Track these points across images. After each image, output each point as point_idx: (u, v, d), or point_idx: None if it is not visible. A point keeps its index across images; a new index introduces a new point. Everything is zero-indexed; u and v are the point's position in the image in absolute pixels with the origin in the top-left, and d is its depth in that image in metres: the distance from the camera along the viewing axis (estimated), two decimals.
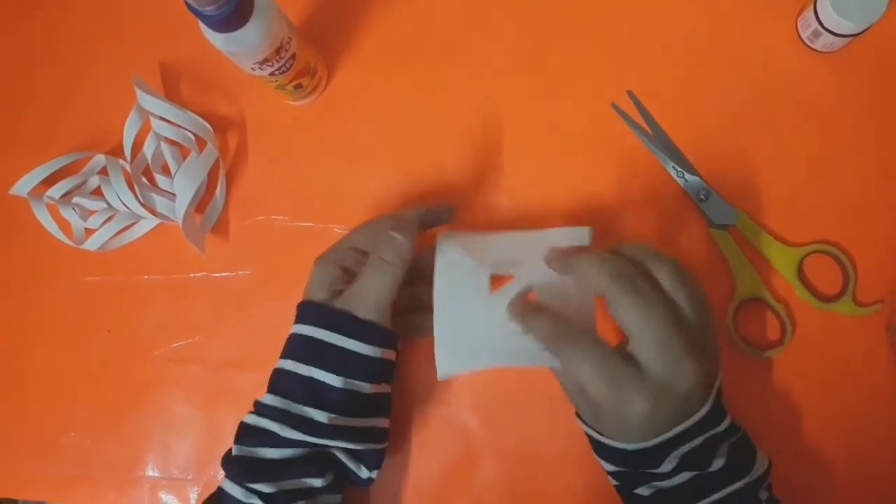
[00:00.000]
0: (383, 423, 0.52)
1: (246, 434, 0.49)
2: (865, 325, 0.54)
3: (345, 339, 0.49)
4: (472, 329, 0.48)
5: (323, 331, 0.49)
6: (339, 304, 0.49)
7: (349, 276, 0.51)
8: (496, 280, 0.49)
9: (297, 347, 0.50)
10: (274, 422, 0.48)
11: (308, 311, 0.51)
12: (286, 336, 0.59)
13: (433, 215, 0.53)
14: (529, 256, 0.48)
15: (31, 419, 0.62)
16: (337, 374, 0.48)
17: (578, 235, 0.48)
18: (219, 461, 0.58)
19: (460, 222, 0.58)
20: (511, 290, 0.48)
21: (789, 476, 0.54)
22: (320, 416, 0.48)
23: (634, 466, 0.45)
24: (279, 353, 0.59)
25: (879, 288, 0.54)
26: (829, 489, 0.54)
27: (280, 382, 0.50)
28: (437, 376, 0.48)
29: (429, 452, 0.57)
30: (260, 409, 0.49)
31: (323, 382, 0.48)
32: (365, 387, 0.49)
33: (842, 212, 0.55)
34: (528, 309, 0.46)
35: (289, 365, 0.50)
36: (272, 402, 0.49)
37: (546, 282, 0.47)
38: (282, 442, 0.48)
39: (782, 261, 0.55)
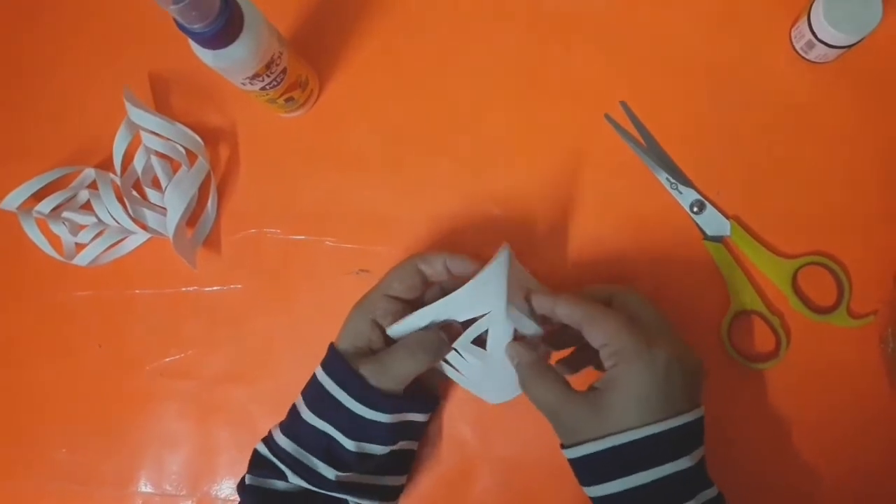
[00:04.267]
0: (398, 480, 0.52)
1: (258, 465, 0.50)
2: (860, 337, 0.54)
3: (356, 403, 0.49)
4: (492, 379, 0.51)
5: (337, 388, 0.49)
6: (363, 366, 0.49)
7: (379, 329, 0.50)
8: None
9: (315, 396, 0.50)
10: (285, 466, 0.48)
11: (332, 360, 0.50)
12: (279, 350, 0.59)
13: (459, 264, 0.51)
14: (484, 306, 0.49)
15: (23, 435, 0.62)
16: (348, 437, 0.48)
17: (501, 261, 0.48)
18: (212, 476, 0.60)
19: (456, 234, 0.58)
20: (499, 339, 0.49)
21: (784, 487, 0.54)
22: (328, 471, 0.48)
23: (665, 457, 0.43)
24: (272, 367, 0.59)
25: (873, 299, 0.54)
26: (823, 500, 0.54)
27: (296, 427, 0.50)
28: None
29: (425, 464, 0.57)
30: (273, 446, 0.49)
31: (336, 441, 0.49)
32: (378, 449, 0.50)
33: (836, 223, 0.55)
34: (552, 300, 0.48)
35: (306, 413, 0.50)
36: (285, 444, 0.49)
37: (511, 315, 0.49)
38: (290, 481, 0.48)
39: (777, 273, 0.55)
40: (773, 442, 0.54)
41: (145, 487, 0.60)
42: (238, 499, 0.50)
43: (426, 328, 0.49)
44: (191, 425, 0.60)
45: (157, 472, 0.60)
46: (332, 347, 0.51)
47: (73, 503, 0.61)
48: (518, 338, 0.49)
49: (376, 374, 0.48)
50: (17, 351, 0.63)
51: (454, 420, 0.57)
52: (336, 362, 0.49)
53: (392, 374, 0.49)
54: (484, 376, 0.51)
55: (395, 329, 0.50)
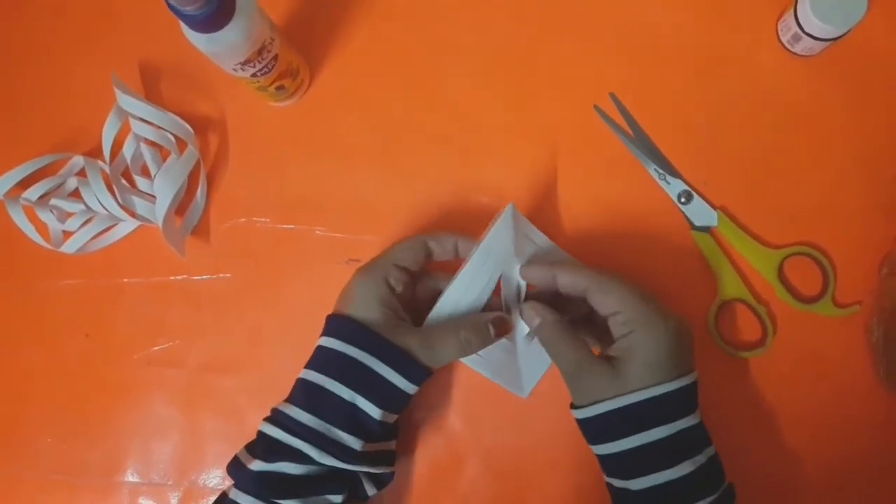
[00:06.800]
0: (393, 445, 0.52)
1: (272, 450, 0.48)
2: (845, 326, 0.55)
3: (401, 378, 0.48)
4: (519, 359, 0.53)
5: (380, 363, 0.48)
6: (403, 339, 0.49)
7: (396, 294, 0.50)
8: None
9: (344, 369, 0.48)
10: (309, 444, 0.47)
11: (359, 334, 0.49)
12: (268, 339, 0.59)
13: (465, 245, 0.52)
14: (496, 270, 0.51)
15: (8, 424, 0.61)
16: (377, 406, 0.48)
17: (504, 218, 0.50)
18: (200, 465, 0.59)
19: (445, 224, 0.58)
20: (516, 302, 0.52)
21: (768, 474, 0.54)
22: (355, 443, 0.48)
23: (677, 414, 0.45)
24: (261, 357, 0.59)
25: (858, 289, 0.55)
26: (807, 487, 0.54)
27: (318, 401, 0.48)
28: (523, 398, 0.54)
29: (415, 455, 0.57)
30: (290, 424, 0.48)
31: (364, 411, 0.48)
32: (393, 417, 0.50)
33: (822, 214, 0.56)
34: (551, 270, 0.49)
35: (330, 385, 0.48)
36: (308, 421, 0.47)
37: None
38: (312, 463, 0.47)
39: (763, 262, 0.55)
40: (759, 429, 0.55)
41: (132, 477, 0.60)
42: (229, 483, 0.49)
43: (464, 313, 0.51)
44: (178, 414, 0.60)
45: (144, 461, 0.59)
46: (353, 321, 0.49)
47: (59, 492, 0.60)
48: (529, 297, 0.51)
49: (421, 350, 0.49)
50: (2, 339, 0.62)
51: (443, 410, 0.57)
52: (371, 336, 0.49)
53: (438, 354, 0.49)
54: (510, 358, 0.52)
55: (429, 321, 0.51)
